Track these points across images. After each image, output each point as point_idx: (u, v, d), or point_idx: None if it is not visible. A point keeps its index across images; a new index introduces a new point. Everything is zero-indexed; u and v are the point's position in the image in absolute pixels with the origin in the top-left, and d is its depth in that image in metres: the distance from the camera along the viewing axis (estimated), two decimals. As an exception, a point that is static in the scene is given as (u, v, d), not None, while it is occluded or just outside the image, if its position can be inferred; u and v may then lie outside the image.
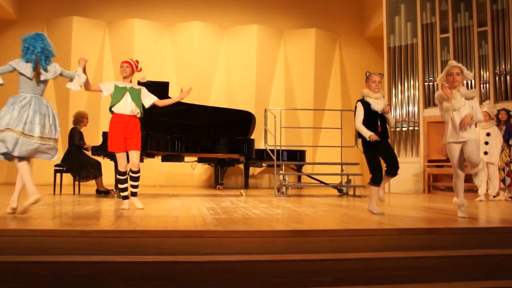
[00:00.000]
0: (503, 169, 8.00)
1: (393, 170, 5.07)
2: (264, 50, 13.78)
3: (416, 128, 10.99)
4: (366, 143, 5.03)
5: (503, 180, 8.01)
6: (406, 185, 10.89)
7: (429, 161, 10.74)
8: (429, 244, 3.52)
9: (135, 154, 5.21)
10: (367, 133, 4.91)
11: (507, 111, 8.26)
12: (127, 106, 5.17)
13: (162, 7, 13.82)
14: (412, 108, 11.15)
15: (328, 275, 3.03)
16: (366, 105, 5.02)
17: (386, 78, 11.41)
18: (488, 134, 8.00)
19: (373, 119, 5.00)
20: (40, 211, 4.85)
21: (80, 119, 8.17)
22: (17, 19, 12.99)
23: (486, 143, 8.00)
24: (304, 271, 3.05)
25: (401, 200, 7.67)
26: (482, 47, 10.28)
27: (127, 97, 5.18)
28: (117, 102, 5.17)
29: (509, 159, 7.94)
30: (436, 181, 10.64)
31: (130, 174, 5.27)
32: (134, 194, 5.37)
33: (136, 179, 5.31)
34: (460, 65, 4.78)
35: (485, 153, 7.94)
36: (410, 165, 10.88)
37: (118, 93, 5.19)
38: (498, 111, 8.34)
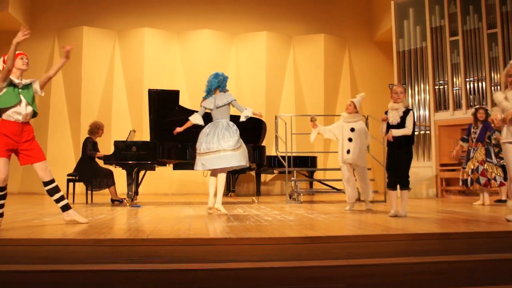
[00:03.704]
0: (476, 169, 7.56)
1: (397, 182, 5.38)
2: (274, 57, 13.79)
3: (428, 132, 10.94)
4: (387, 145, 5.47)
5: (477, 180, 7.56)
6: (418, 190, 10.83)
7: (441, 165, 10.67)
8: (443, 249, 3.50)
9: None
10: (385, 127, 5.44)
11: (486, 110, 7.75)
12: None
13: (172, 15, 13.90)
14: (423, 112, 11.10)
15: (341, 281, 3.03)
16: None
17: (396, 83, 11.37)
18: (352, 130, 6.69)
19: (390, 128, 5.38)
20: (53, 220, 4.88)
21: (95, 129, 8.18)
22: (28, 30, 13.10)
23: (350, 139, 6.68)
24: (317, 277, 3.05)
25: (414, 205, 7.63)
26: (492, 49, 10.22)
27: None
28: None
29: (484, 158, 7.54)
30: (449, 185, 10.57)
31: None
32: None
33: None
34: None
35: (348, 151, 6.65)
36: (422, 170, 10.82)
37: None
38: (476, 109, 7.81)
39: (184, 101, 11.21)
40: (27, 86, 4.41)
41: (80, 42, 12.98)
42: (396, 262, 3.23)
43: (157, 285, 2.92)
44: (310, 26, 14.33)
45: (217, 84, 5.95)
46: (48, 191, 4.42)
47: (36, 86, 4.48)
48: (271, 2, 14.30)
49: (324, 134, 6.96)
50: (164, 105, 8.25)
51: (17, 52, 4.33)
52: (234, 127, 5.80)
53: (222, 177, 5.73)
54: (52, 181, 4.44)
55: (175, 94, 8.46)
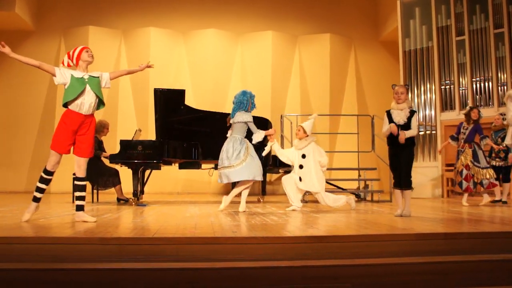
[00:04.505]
0: (460, 172, 7.57)
1: (401, 182, 5.34)
2: (279, 56, 13.79)
3: (433, 132, 10.91)
4: (388, 145, 5.43)
5: (459, 184, 7.59)
6: (424, 190, 10.79)
7: (447, 165, 10.63)
8: (448, 249, 3.49)
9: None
10: (386, 127, 5.35)
11: (479, 111, 7.74)
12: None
13: (177, 15, 13.92)
14: (429, 112, 11.07)
15: (347, 280, 3.03)
16: (390, 116, 5.41)
17: (402, 82, 11.35)
18: (303, 156, 6.50)
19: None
20: (59, 219, 4.90)
21: (101, 128, 8.19)
22: (35, 30, 13.16)
23: (301, 166, 6.48)
24: (323, 277, 3.05)
25: (420, 205, 7.61)
26: (499, 49, 10.18)
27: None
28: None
29: (470, 161, 7.51)
30: (454, 185, 10.51)
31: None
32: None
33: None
34: None
35: (300, 179, 6.47)
36: (428, 170, 10.77)
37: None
38: (471, 108, 7.81)
39: (190, 101, 11.23)
40: (94, 77, 4.65)
41: (86, 42, 13.00)
42: (402, 262, 3.23)
43: (162, 283, 2.93)
44: (315, 26, 14.32)
45: (240, 102, 6.64)
46: (74, 185, 4.74)
47: (104, 78, 4.76)
48: (276, 1, 14.30)
49: (278, 155, 6.76)
50: (169, 104, 8.26)
51: (81, 46, 4.75)
52: (243, 144, 6.26)
53: (243, 184, 6.28)
54: (83, 179, 4.69)
55: (180, 93, 8.46)
